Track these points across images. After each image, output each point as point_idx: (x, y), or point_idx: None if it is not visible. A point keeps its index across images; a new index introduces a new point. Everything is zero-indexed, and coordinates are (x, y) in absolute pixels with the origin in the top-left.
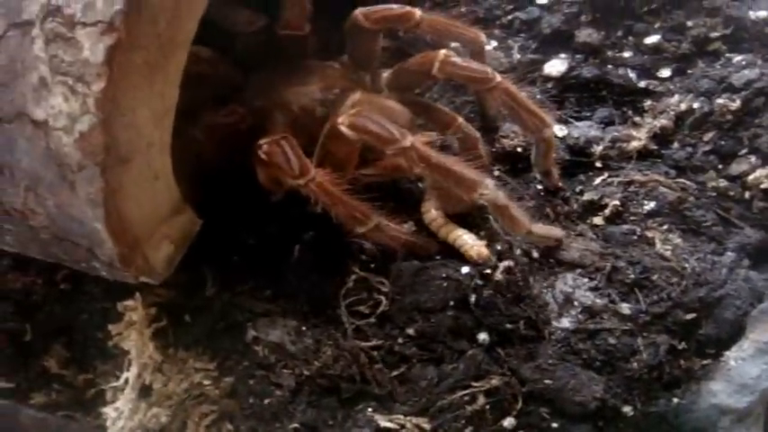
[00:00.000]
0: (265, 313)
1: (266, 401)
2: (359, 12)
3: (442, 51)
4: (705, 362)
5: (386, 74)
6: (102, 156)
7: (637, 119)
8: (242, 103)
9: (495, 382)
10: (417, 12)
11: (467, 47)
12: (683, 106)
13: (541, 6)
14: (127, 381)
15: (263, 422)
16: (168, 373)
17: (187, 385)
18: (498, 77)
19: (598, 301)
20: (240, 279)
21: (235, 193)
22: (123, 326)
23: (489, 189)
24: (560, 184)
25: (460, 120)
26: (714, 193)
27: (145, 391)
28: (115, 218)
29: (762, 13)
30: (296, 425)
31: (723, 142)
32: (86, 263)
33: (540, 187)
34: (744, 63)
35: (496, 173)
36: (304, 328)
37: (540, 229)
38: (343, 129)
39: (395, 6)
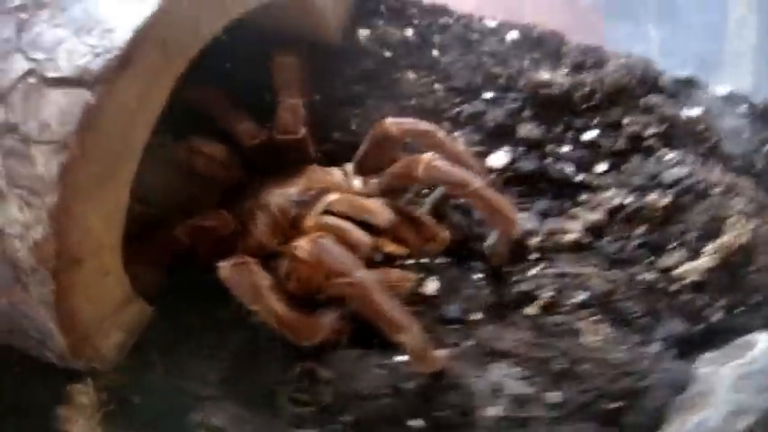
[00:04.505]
0: (210, 398)
1: None
2: (389, 121)
3: (427, 155)
4: None
5: (374, 180)
6: (54, 261)
7: (573, 211)
8: (236, 203)
9: None
10: (441, 133)
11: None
12: (616, 201)
13: (486, 101)
14: None
15: None
16: None
17: None
18: (476, 184)
19: (527, 390)
20: (189, 363)
21: (187, 277)
22: (72, 409)
23: (411, 335)
24: (504, 265)
25: (445, 234)
26: (643, 286)
27: None
28: (66, 315)
29: (694, 111)
30: None
31: (653, 236)
32: (37, 351)
33: (478, 276)
34: (675, 161)
35: (439, 260)
36: (246, 415)
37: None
38: (301, 254)
39: (423, 123)
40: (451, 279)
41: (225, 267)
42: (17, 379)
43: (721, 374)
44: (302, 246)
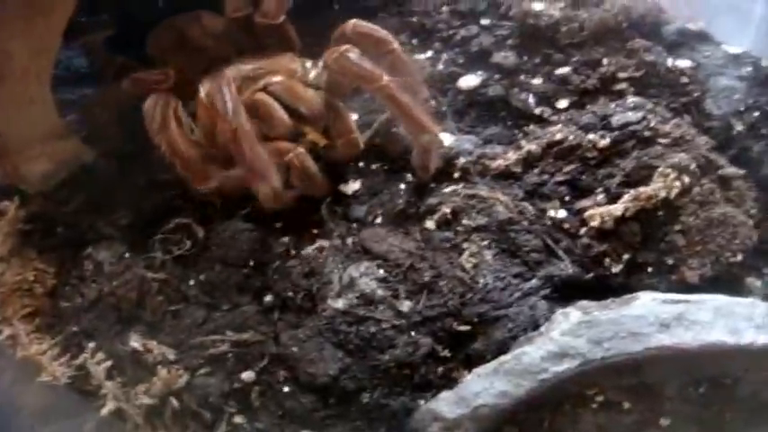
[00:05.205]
0: (108, 237)
1: (67, 305)
2: (351, 22)
3: (345, 47)
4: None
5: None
6: None
7: (518, 141)
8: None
9: (247, 336)
10: (395, 44)
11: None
12: (558, 136)
13: (482, 26)
14: None
15: (60, 321)
16: (12, 266)
17: (21, 279)
18: (384, 80)
19: (380, 292)
20: (108, 206)
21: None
22: None
23: (269, 188)
24: (428, 176)
25: (355, 139)
26: (549, 223)
27: None
28: None
29: (680, 62)
30: (77, 329)
31: (580, 176)
32: None
33: (401, 186)
34: (632, 105)
35: (374, 166)
36: (126, 255)
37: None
38: (201, 93)
39: (382, 31)
40: (375, 184)
41: (148, 100)
42: None
43: (570, 318)
44: (204, 86)
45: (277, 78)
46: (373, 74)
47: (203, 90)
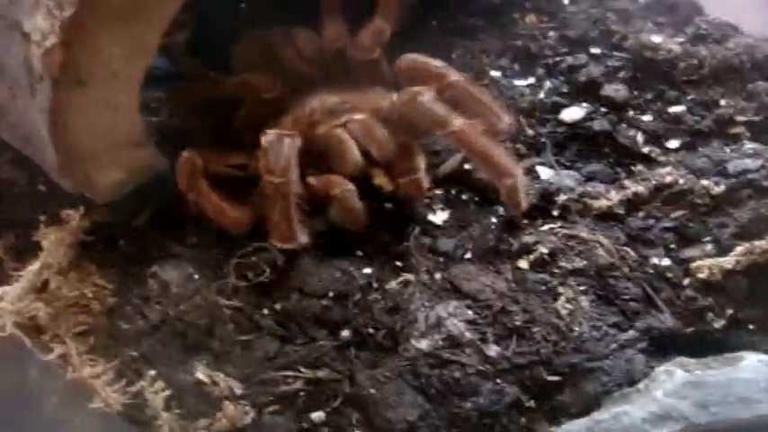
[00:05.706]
0: (176, 256)
1: (127, 326)
2: (405, 57)
3: (417, 88)
4: (551, 428)
5: None
6: (57, 72)
7: (622, 181)
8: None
9: (321, 374)
10: (452, 75)
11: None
12: (668, 179)
13: (592, 55)
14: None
15: (117, 343)
16: (70, 279)
17: (77, 294)
18: (456, 125)
19: (468, 334)
20: (177, 221)
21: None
22: (55, 228)
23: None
24: (520, 216)
25: (417, 179)
26: (652, 271)
27: (40, 287)
28: (60, 129)
29: None
30: (136, 353)
31: (689, 223)
32: (43, 165)
33: (493, 220)
34: (751, 151)
35: (464, 196)
36: (196, 276)
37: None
38: (263, 139)
39: (437, 63)
40: (465, 216)
41: (181, 157)
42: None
43: (673, 377)
44: (269, 133)
45: (358, 116)
46: (445, 119)
47: (267, 138)
